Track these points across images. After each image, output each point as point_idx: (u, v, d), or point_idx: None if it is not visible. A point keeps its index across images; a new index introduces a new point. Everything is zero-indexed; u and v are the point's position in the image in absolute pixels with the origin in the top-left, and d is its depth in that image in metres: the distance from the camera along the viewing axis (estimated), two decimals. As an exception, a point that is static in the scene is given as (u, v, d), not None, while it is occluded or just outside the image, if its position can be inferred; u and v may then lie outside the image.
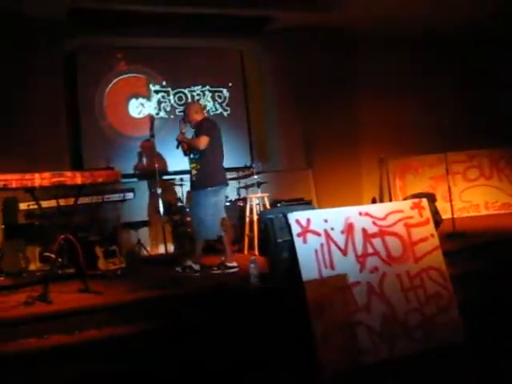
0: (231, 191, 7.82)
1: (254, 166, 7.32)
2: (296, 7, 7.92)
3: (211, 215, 5.52)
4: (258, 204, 6.83)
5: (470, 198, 8.58)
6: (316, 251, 3.89)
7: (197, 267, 5.52)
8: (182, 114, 8.39)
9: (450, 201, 6.72)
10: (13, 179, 4.46)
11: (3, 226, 6.91)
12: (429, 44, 9.13)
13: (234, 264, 5.54)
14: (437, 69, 9.22)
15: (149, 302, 4.47)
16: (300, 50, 8.75)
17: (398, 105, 8.95)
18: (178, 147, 5.81)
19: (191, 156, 5.73)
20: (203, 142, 5.51)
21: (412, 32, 8.69)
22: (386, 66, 8.90)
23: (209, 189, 5.52)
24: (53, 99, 7.65)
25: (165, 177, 7.51)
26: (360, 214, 4.15)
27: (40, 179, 4.57)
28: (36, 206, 6.01)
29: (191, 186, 5.75)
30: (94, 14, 7.56)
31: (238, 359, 3.75)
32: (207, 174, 5.56)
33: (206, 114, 5.74)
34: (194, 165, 5.67)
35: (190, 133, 5.80)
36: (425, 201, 4.33)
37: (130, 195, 6.73)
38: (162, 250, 6.26)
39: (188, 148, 5.74)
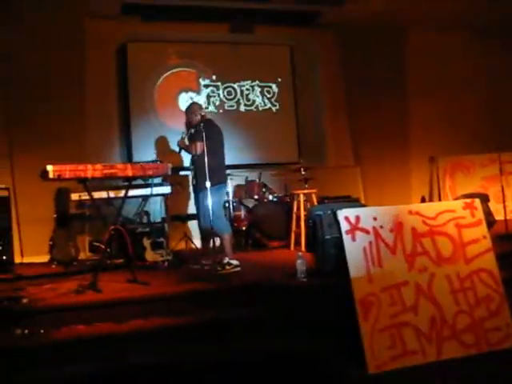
0: (278, 187, 7.84)
1: (301, 161, 7.29)
2: (346, 1, 7.82)
3: (218, 211, 5.62)
4: (305, 200, 6.79)
5: (524, 199, 8.33)
6: (364, 249, 3.84)
7: (235, 262, 5.56)
8: (231, 108, 8.56)
9: (503, 202, 6.56)
10: (66, 170, 4.57)
11: (55, 216, 7.10)
12: (486, 38, 8.86)
13: (237, 262, 5.59)
14: (494, 64, 8.94)
15: (194, 295, 4.51)
16: (350, 45, 8.67)
17: (451, 101, 8.75)
18: (180, 152, 6.00)
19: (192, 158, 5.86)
20: (198, 148, 5.59)
21: (466, 25, 8.46)
22: (438, 61, 8.71)
23: (209, 189, 5.47)
24: (104, 92, 7.84)
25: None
26: (410, 212, 4.07)
27: (92, 170, 4.67)
28: (87, 197, 6.19)
29: (193, 187, 5.84)
30: (147, 8, 7.68)
31: (281, 355, 3.74)
32: (205, 175, 5.50)
33: (203, 114, 5.81)
34: (193, 166, 5.79)
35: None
36: (477, 201, 4.22)
37: (178, 188, 6.84)
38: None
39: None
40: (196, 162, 5.71)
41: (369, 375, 3.47)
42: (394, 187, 8.54)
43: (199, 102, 7.22)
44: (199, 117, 5.83)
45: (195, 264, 5.81)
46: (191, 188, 6.25)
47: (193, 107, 6.04)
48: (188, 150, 5.84)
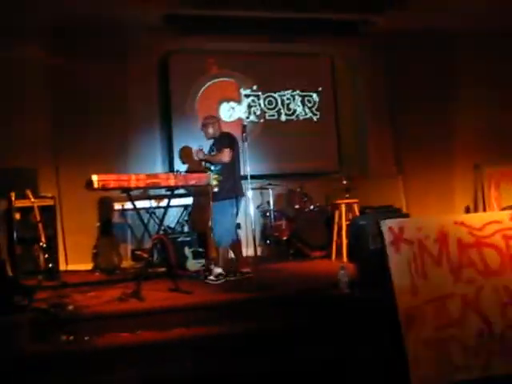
0: (319, 196, 7.80)
1: (342, 171, 7.24)
2: (388, 10, 7.74)
3: (232, 224, 5.71)
4: (347, 210, 6.74)
5: None
6: (409, 261, 3.77)
7: (246, 270, 5.67)
8: (272, 117, 8.57)
9: (552, 213, 6.34)
10: (110, 180, 4.66)
11: (98, 224, 7.23)
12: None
13: (249, 270, 5.63)
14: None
15: (236, 304, 4.51)
16: (391, 54, 8.57)
17: (499, 109, 8.50)
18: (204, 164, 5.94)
19: (212, 168, 5.80)
20: (228, 155, 5.62)
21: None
22: (484, 68, 8.52)
23: (229, 200, 5.64)
24: (147, 103, 7.93)
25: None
26: (455, 223, 3.98)
27: (136, 180, 4.75)
28: (129, 206, 6.29)
29: (213, 196, 5.74)
30: (189, 19, 7.76)
31: (323, 366, 3.70)
32: (229, 187, 5.64)
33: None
34: (215, 176, 5.68)
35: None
36: (526, 212, 4.11)
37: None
38: (250, 252, 6.31)
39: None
40: (222, 170, 5.68)
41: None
42: (437, 197, 8.37)
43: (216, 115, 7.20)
44: (219, 130, 5.93)
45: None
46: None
47: (213, 119, 6.09)
48: (210, 160, 5.80)
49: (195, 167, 6.86)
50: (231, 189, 5.68)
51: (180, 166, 7.73)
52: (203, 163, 5.86)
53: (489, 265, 3.88)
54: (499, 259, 3.91)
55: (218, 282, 5.43)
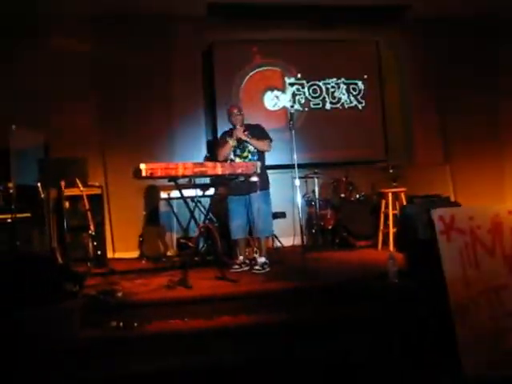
0: (365, 185, 7.71)
1: (388, 160, 7.13)
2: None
3: (271, 214, 5.82)
4: (394, 199, 6.64)
5: None
6: (460, 250, 3.70)
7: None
8: (317, 106, 8.50)
9: None
10: (158, 168, 4.69)
11: (145, 213, 7.32)
12: None
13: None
14: None
15: (283, 293, 4.50)
16: (440, 40, 8.35)
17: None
18: (237, 145, 5.75)
19: (245, 156, 5.71)
20: (270, 145, 5.72)
21: None
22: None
23: (268, 190, 5.71)
24: (191, 91, 7.96)
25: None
26: (510, 212, 3.87)
27: (183, 169, 4.76)
28: (175, 195, 6.34)
29: (253, 187, 5.57)
30: (233, 8, 7.74)
31: (370, 357, 3.67)
32: (266, 177, 5.69)
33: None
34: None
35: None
36: None
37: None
38: (297, 241, 6.29)
39: (241, 147, 5.74)
40: (259, 161, 5.54)
41: (464, 381, 3.34)
42: (486, 186, 8.17)
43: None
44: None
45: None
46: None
47: (239, 106, 6.03)
48: (254, 144, 5.68)
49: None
50: (267, 180, 5.72)
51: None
52: (231, 152, 5.72)
53: (545, 255, 3.77)
54: (555, 250, 3.79)
55: (264, 271, 5.43)
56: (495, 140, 8.40)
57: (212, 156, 7.21)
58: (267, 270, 5.46)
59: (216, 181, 5.87)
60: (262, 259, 5.58)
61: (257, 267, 5.51)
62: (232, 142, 5.66)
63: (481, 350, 3.46)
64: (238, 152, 5.73)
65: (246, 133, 5.65)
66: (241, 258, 5.65)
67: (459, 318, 3.51)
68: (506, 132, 8.44)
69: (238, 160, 5.66)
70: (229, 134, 5.80)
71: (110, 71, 7.51)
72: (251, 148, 5.72)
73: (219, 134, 7.90)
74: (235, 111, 5.80)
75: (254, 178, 5.49)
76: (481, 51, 8.39)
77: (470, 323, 3.51)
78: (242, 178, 5.43)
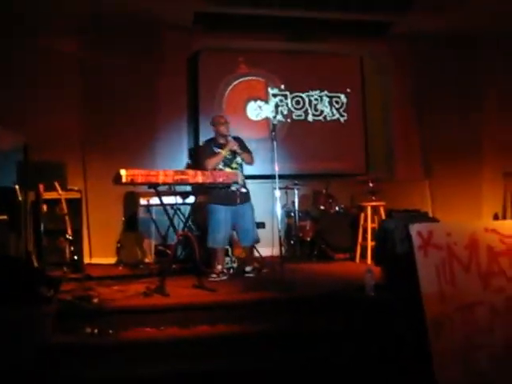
0: (344, 198, 7.76)
1: (368, 173, 7.18)
2: (419, 12, 7.64)
3: None
4: (373, 213, 6.69)
5: None
6: (437, 266, 3.74)
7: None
8: (299, 117, 8.54)
9: None
10: (139, 174, 4.67)
11: (124, 219, 7.28)
12: None
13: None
14: None
15: (260, 303, 4.49)
16: (422, 57, 8.46)
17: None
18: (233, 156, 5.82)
19: (235, 168, 5.77)
20: (253, 158, 5.88)
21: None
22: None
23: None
24: (175, 99, 7.95)
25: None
26: (486, 230, 3.93)
27: (164, 176, 4.75)
28: (155, 202, 6.31)
29: (242, 197, 5.73)
30: (220, 17, 7.76)
31: (346, 369, 3.68)
32: (248, 188, 5.84)
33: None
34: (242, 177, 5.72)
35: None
36: (559, 221, 4.04)
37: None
38: (275, 251, 6.31)
39: (229, 158, 5.78)
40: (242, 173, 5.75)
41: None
42: (465, 202, 8.26)
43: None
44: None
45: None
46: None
47: (225, 117, 6.07)
48: (244, 157, 5.79)
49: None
50: (248, 191, 5.85)
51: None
52: (220, 164, 5.71)
53: (519, 273, 3.82)
54: (530, 268, 3.85)
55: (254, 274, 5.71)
56: (475, 158, 8.49)
57: (194, 163, 7.20)
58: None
59: (200, 189, 5.89)
60: (249, 267, 5.78)
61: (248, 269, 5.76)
62: (225, 153, 5.69)
63: (454, 366, 3.49)
64: (228, 163, 5.75)
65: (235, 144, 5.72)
66: (219, 267, 5.65)
67: (434, 334, 3.54)
68: (486, 150, 8.54)
69: (227, 170, 5.69)
70: (214, 142, 5.81)
71: (95, 75, 7.48)
72: (239, 160, 5.78)
73: (201, 142, 8.00)
74: (222, 120, 5.85)
75: (244, 189, 5.67)
76: (463, 69, 8.48)
77: (445, 339, 3.55)
78: (233, 188, 5.55)
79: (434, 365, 3.44)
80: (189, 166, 7.42)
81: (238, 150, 5.72)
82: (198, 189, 5.95)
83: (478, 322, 3.64)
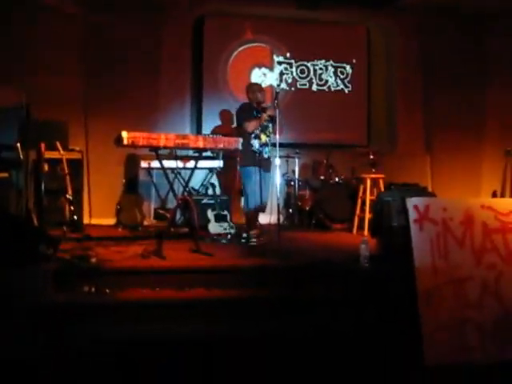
0: (345, 169, 7.77)
1: (370, 145, 7.18)
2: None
3: None
4: (372, 185, 6.71)
5: None
6: (431, 240, 3.77)
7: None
8: (303, 86, 8.50)
9: None
10: (140, 137, 4.70)
11: (124, 181, 7.30)
12: None
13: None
14: None
15: (256, 270, 4.54)
16: (428, 30, 8.39)
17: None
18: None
19: (267, 134, 5.84)
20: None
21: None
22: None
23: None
24: (179, 64, 7.92)
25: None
26: (482, 207, 3.95)
27: (165, 139, 4.78)
28: (156, 165, 6.32)
29: (267, 165, 5.85)
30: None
31: (336, 336, 3.74)
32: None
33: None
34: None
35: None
36: (555, 201, 4.06)
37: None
38: (273, 219, 6.35)
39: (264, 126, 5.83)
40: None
41: (425, 367, 3.44)
42: (464, 179, 8.29)
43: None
44: None
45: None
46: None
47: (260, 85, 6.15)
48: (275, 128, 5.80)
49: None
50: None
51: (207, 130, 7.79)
52: (258, 130, 5.76)
53: (512, 251, 3.86)
54: (524, 246, 3.89)
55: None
56: (477, 135, 8.49)
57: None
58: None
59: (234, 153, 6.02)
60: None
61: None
62: (266, 117, 5.71)
63: (442, 338, 3.55)
64: (263, 129, 5.82)
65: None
66: (256, 231, 5.77)
67: (425, 305, 3.59)
68: (488, 128, 8.53)
69: (262, 136, 5.79)
70: (251, 107, 5.85)
71: (98, 35, 7.43)
72: (270, 129, 5.81)
73: (204, 110, 8.00)
74: (259, 87, 6.00)
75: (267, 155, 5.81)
76: (470, 45, 8.43)
77: (435, 311, 3.60)
78: (265, 155, 5.73)
79: (423, 336, 3.50)
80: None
81: (277, 118, 5.72)
82: (230, 152, 6.04)
83: (468, 297, 3.69)
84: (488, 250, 3.85)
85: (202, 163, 6.61)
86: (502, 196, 7.84)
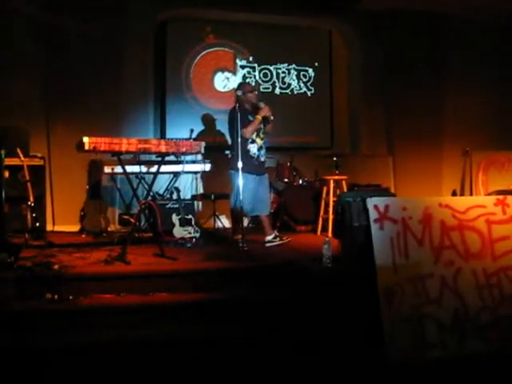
0: (309, 171, 7.84)
1: (333, 148, 7.26)
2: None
3: None
4: (335, 186, 6.79)
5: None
6: (392, 239, 3.86)
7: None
8: (266, 90, 8.55)
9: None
10: (102, 142, 4.68)
11: (87, 187, 7.24)
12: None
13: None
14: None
15: (220, 273, 4.56)
16: (388, 35, 8.53)
17: (488, 95, 8.58)
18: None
19: (262, 138, 5.87)
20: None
21: (509, 17, 8.29)
22: (475, 54, 8.55)
23: None
24: (142, 68, 7.87)
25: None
26: (440, 205, 4.06)
27: (127, 144, 4.77)
28: (119, 171, 6.29)
29: (264, 168, 5.94)
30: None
31: (299, 339, 3.78)
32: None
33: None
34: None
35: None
36: (510, 198, 4.17)
37: (209, 167, 6.92)
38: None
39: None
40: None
41: (388, 363, 3.50)
42: (425, 179, 8.44)
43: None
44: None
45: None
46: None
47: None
48: (270, 127, 5.95)
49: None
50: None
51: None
52: (254, 134, 5.75)
53: (469, 248, 3.98)
54: (480, 243, 4.01)
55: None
56: (436, 136, 8.65)
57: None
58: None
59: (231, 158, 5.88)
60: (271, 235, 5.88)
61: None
62: (260, 118, 5.67)
63: (403, 335, 3.62)
64: (258, 132, 5.79)
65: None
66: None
67: (386, 303, 3.66)
68: (446, 129, 8.70)
69: (258, 140, 5.78)
70: (243, 110, 5.67)
71: (58, 38, 7.32)
72: (263, 130, 5.83)
73: (168, 115, 7.97)
74: (251, 88, 6.00)
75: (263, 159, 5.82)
76: (428, 47, 8.59)
77: (396, 309, 3.67)
78: (262, 159, 5.75)
79: (385, 332, 3.57)
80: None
81: (271, 117, 5.70)
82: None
83: (428, 293, 3.78)
84: (446, 247, 3.95)
85: (167, 167, 6.61)
86: (462, 194, 8.05)
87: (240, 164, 5.21)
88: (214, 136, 7.82)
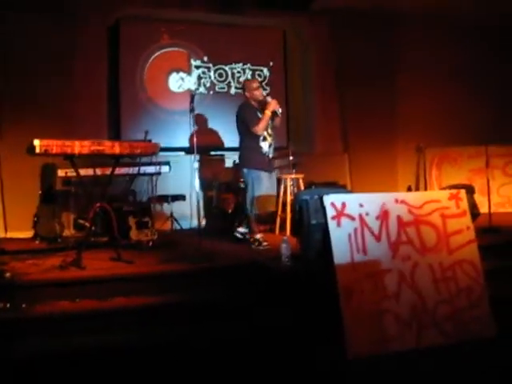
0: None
1: (289, 146, 7.25)
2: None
3: None
4: (292, 185, 6.80)
5: (508, 193, 8.42)
6: (349, 235, 3.87)
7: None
8: (222, 90, 8.52)
9: (488, 195, 6.59)
10: (53, 145, 4.55)
11: (40, 192, 7.06)
12: (476, 29, 8.87)
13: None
14: (482, 56, 8.96)
15: (178, 275, 4.53)
16: (343, 33, 8.62)
17: (440, 92, 8.78)
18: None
19: (270, 134, 5.82)
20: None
21: (458, 15, 8.47)
22: (428, 50, 8.75)
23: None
24: (94, 69, 7.72)
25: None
26: (396, 201, 4.09)
27: (80, 147, 4.65)
28: (73, 174, 6.15)
29: (272, 165, 5.98)
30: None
31: (260, 336, 3.77)
32: None
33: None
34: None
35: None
36: (463, 192, 4.25)
37: (165, 168, 6.84)
38: (194, 224, 6.32)
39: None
40: None
41: (348, 360, 3.51)
42: (381, 175, 8.57)
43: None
44: None
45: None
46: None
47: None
48: (278, 121, 5.93)
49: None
50: None
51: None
52: (265, 130, 5.68)
53: (425, 242, 4.03)
54: (435, 237, 4.06)
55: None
56: (390, 133, 8.80)
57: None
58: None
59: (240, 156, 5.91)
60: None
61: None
62: (269, 113, 5.57)
63: (363, 331, 3.64)
64: (266, 129, 5.71)
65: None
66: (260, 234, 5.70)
67: (345, 300, 3.67)
68: (401, 125, 8.86)
69: (268, 137, 5.74)
70: (250, 107, 5.69)
71: (9, 40, 7.11)
72: (271, 125, 5.75)
73: (122, 116, 7.85)
74: (256, 84, 5.91)
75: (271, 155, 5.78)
76: (381, 46, 8.73)
77: (355, 305, 3.69)
78: (271, 155, 5.72)
79: (345, 328, 3.58)
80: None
81: (279, 110, 5.62)
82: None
83: (386, 289, 3.81)
84: (403, 243, 3.99)
85: (122, 170, 6.49)
86: (417, 189, 8.17)
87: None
88: (171, 137, 7.73)
